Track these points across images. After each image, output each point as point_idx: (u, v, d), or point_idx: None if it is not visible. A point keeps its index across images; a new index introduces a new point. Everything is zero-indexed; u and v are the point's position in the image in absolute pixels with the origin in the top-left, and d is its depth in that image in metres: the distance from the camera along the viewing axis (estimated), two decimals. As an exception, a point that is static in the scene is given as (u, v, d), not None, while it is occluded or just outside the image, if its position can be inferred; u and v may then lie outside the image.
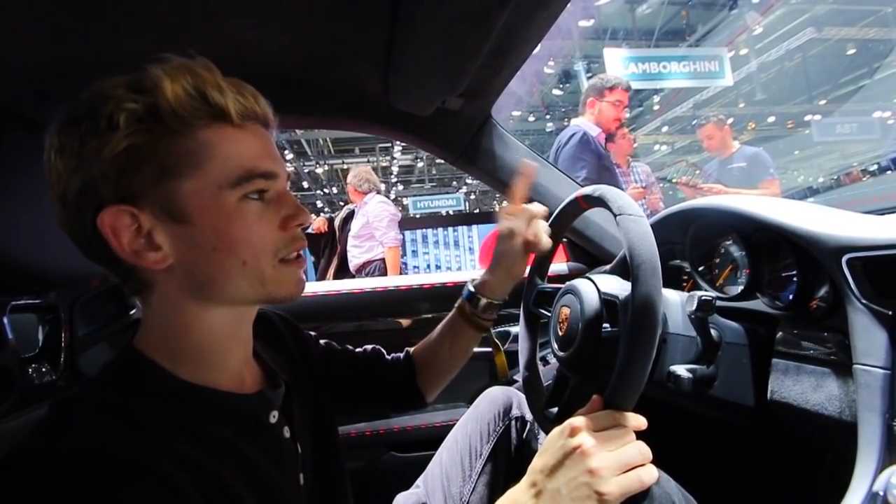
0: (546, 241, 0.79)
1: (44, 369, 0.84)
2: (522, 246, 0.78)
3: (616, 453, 0.49)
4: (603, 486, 0.47)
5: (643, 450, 0.50)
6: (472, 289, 0.82)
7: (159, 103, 0.44)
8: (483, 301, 0.80)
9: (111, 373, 0.48)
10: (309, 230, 3.50)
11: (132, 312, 1.08)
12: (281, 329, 0.70)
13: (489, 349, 1.29)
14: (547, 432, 0.78)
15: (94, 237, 0.45)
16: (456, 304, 0.83)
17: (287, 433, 0.57)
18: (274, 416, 0.55)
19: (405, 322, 1.31)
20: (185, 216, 0.46)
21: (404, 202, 15.97)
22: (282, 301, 0.52)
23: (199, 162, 0.46)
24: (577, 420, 0.51)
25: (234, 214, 0.47)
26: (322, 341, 0.78)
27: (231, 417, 0.50)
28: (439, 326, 0.85)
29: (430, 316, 1.30)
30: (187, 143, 0.45)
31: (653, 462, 0.50)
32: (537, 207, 0.79)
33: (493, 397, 0.92)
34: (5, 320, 0.76)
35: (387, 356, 0.84)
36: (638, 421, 0.52)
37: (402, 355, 0.85)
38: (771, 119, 11.59)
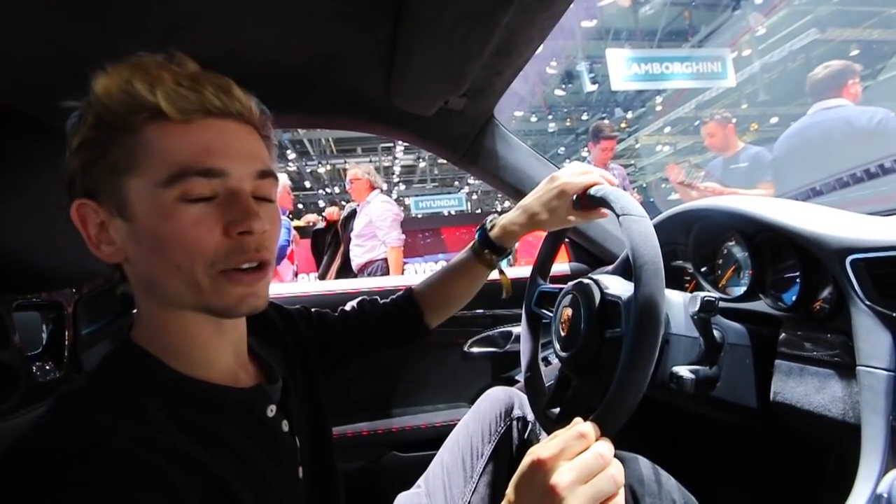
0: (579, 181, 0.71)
1: (47, 367, 0.84)
2: (558, 188, 0.72)
3: (589, 485, 0.43)
4: None
5: (617, 477, 0.45)
6: (487, 226, 0.81)
7: (93, 101, 0.45)
8: (496, 238, 0.79)
9: (110, 365, 0.49)
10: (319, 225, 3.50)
11: (135, 311, 1.08)
12: (275, 319, 0.69)
13: (492, 349, 1.29)
14: (549, 432, 0.78)
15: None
16: (471, 244, 0.83)
17: (286, 427, 0.57)
18: (271, 411, 0.55)
19: None
20: (130, 214, 0.46)
21: (406, 202, 15.98)
22: (223, 315, 0.49)
23: (139, 159, 0.45)
24: (545, 451, 0.45)
25: (170, 215, 0.45)
26: (313, 310, 0.78)
27: (228, 412, 0.50)
28: (447, 266, 0.86)
29: None
30: (131, 139, 0.45)
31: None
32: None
33: (495, 397, 0.92)
34: (10, 318, 0.76)
35: (380, 302, 0.85)
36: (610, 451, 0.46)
37: (401, 296, 0.86)
38: (774, 120, 11.53)
